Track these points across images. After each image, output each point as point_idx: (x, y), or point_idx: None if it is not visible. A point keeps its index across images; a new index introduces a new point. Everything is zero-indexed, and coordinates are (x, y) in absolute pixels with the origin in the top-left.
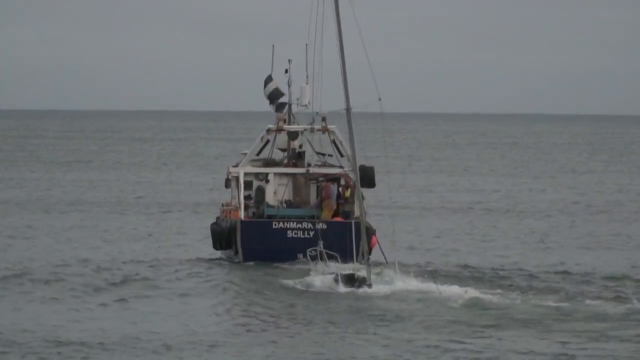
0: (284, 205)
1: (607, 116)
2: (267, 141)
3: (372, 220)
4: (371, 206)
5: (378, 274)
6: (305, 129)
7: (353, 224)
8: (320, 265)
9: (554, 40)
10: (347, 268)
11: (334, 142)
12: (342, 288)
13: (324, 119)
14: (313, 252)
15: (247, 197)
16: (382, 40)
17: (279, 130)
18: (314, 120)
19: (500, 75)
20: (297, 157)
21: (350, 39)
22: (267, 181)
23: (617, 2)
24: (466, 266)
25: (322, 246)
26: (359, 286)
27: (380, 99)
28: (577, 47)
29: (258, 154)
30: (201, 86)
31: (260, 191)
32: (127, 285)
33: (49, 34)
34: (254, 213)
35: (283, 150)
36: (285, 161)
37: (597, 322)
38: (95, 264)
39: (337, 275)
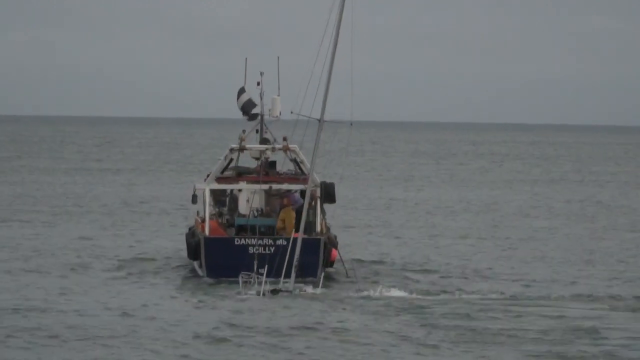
0: (255, 214)
1: (586, 126)
2: (231, 160)
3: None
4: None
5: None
6: (267, 149)
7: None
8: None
9: (548, 49)
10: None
11: (295, 160)
12: (267, 299)
13: (285, 139)
14: (244, 276)
15: (222, 204)
16: (366, 48)
17: (242, 149)
18: (275, 140)
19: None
20: (269, 166)
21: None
22: (240, 190)
23: (610, 10)
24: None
25: (256, 269)
26: (281, 296)
27: (351, 124)
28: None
29: (222, 173)
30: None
31: (234, 199)
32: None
33: (39, 38)
34: (227, 220)
35: (257, 159)
36: (258, 170)
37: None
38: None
39: (262, 289)
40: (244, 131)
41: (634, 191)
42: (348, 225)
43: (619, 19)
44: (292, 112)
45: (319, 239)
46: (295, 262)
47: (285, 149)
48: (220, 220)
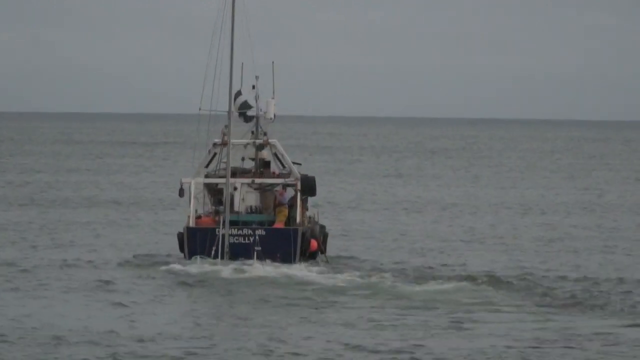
0: (249, 211)
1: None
2: (215, 154)
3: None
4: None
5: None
6: (248, 143)
7: (276, 231)
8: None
9: (540, 43)
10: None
11: (275, 154)
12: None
13: (265, 133)
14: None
15: (218, 203)
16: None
17: (224, 144)
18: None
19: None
20: (264, 167)
21: (311, 40)
22: (235, 189)
23: (602, 7)
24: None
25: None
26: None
27: (273, 118)
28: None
29: (207, 166)
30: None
31: (229, 199)
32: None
33: (39, 38)
34: (223, 218)
35: (252, 159)
36: (254, 170)
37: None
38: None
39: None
40: (226, 126)
41: None
42: None
43: (619, 18)
44: (200, 109)
45: (296, 229)
46: (226, 250)
47: (266, 144)
48: (217, 219)
